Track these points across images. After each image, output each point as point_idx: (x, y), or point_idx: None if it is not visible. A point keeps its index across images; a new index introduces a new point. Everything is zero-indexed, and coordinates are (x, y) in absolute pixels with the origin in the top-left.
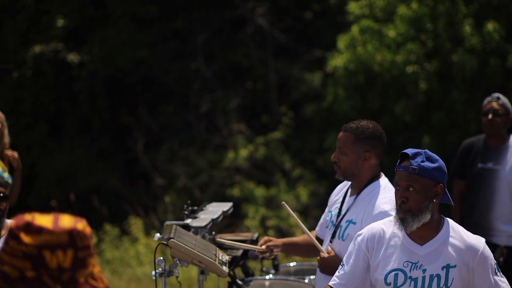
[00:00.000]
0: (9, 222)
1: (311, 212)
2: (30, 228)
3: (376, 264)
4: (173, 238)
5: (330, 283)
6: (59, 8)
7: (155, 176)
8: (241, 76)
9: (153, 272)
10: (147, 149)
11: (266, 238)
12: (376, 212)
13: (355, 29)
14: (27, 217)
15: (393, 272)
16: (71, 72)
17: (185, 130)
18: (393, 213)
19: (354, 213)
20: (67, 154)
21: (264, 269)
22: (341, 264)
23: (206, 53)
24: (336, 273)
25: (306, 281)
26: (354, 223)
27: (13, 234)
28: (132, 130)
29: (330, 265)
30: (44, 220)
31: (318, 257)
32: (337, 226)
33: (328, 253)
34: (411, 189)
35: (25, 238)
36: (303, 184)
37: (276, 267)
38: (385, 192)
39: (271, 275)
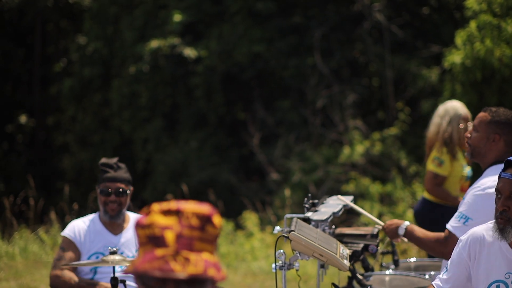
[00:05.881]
0: (130, 214)
1: None
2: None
3: (478, 273)
4: (294, 230)
5: (434, 283)
6: (177, 3)
7: (270, 171)
8: (357, 72)
9: (273, 265)
10: (262, 144)
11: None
12: (473, 187)
13: (473, 25)
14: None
15: (495, 284)
16: (187, 67)
17: (301, 126)
18: (489, 190)
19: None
20: (182, 149)
21: (384, 264)
22: (445, 266)
23: (323, 49)
24: (440, 275)
25: (427, 276)
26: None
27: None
28: (247, 125)
29: (391, 230)
30: None
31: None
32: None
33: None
34: None
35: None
36: (419, 181)
37: (396, 263)
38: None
39: (391, 270)
